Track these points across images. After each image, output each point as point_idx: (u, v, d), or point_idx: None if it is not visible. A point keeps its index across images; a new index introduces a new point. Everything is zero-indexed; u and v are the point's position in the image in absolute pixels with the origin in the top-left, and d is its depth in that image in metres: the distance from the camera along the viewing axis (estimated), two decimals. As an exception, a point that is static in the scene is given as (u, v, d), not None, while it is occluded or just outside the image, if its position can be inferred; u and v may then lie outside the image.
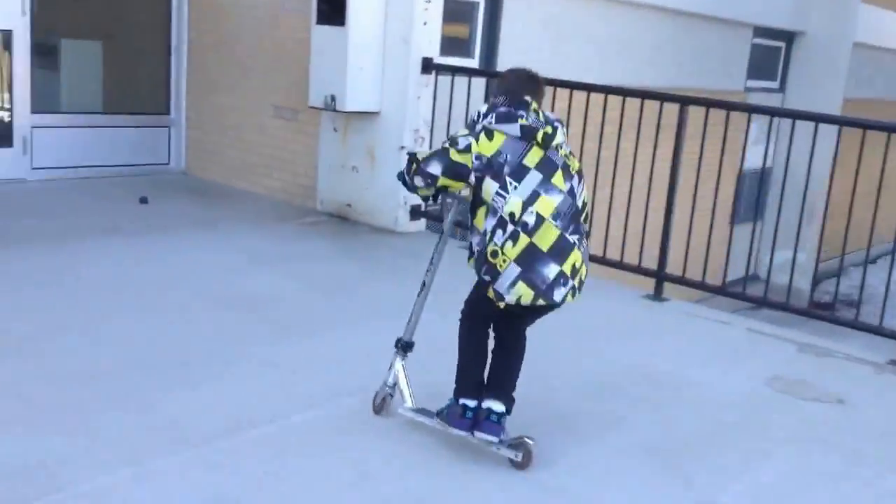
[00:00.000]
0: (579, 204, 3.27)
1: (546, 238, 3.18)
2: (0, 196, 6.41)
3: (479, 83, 6.29)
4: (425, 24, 6.23)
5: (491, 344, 3.42)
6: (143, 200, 6.63)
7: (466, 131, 3.28)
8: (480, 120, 3.27)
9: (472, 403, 3.34)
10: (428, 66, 6.29)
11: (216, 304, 4.57)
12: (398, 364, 3.55)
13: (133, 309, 4.42)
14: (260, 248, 5.73)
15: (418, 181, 3.32)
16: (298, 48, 6.85)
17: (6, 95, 6.79)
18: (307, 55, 6.73)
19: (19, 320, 4.15)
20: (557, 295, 3.21)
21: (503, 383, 3.37)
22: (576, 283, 3.25)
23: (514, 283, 3.18)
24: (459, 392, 3.38)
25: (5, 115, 6.81)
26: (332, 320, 4.54)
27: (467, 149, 3.21)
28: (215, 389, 3.62)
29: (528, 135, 3.20)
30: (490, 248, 3.19)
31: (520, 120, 3.22)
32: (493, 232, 3.19)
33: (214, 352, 3.98)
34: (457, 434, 3.32)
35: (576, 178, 3.28)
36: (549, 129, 3.22)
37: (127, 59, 7.89)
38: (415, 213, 6.52)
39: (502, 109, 3.25)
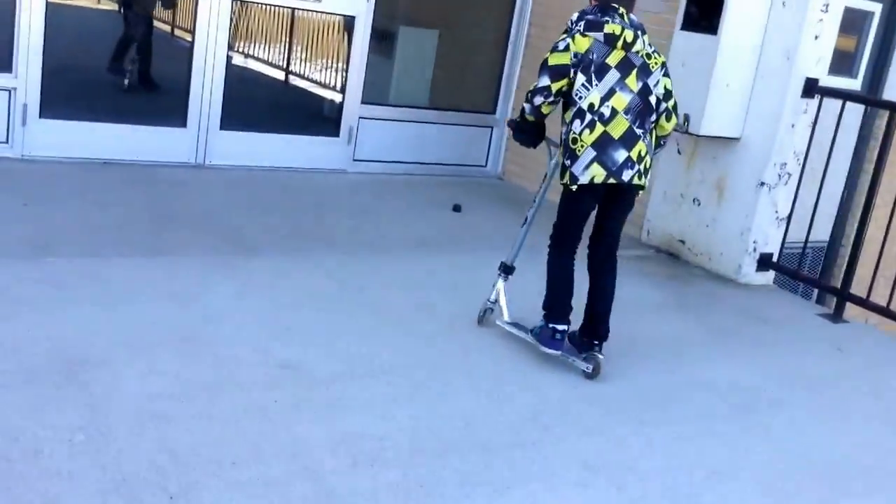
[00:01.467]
0: (652, 100, 3.76)
1: (617, 128, 3.70)
2: (321, 188, 6.21)
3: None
4: (816, 38, 5.08)
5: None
6: (457, 209, 6.13)
7: (564, 36, 3.74)
8: (573, 27, 3.74)
9: (561, 327, 3.86)
10: (811, 88, 5.15)
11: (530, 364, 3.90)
12: (500, 284, 4.15)
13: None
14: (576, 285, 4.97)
15: (537, 100, 3.78)
16: (650, 55, 5.98)
17: (340, 83, 6.61)
18: (660, 64, 5.86)
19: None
20: (626, 175, 3.72)
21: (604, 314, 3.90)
22: (641, 168, 3.77)
23: (588, 165, 3.69)
24: (549, 317, 3.88)
25: (337, 105, 6.64)
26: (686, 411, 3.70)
27: (566, 48, 3.70)
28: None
29: (611, 41, 3.69)
30: (571, 136, 3.72)
31: (605, 27, 3.68)
32: (573, 121, 3.71)
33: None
34: (545, 352, 3.87)
35: (654, 74, 3.76)
36: (629, 35, 3.70)
37: (461, 50, 7.46)
38: (763, 262, 5.43)
39: (591, 17, 3.72)
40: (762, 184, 5.26)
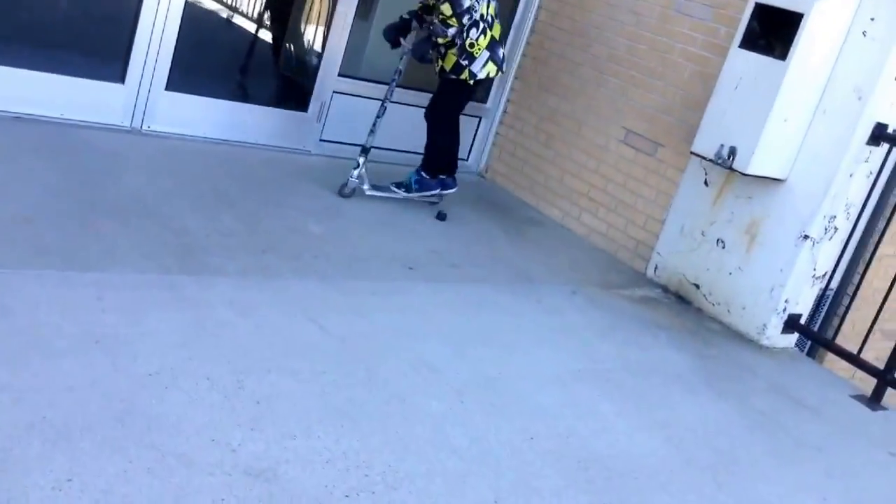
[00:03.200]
0: None
1: (497, 31, 4.97)
2: (282, 173, 5.18)
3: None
4: (897, 78, 4.35)
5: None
6: (441, 217, 5.23)
7: None
8: None
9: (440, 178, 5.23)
10: (879, 135, 4.41)
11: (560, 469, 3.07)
12: (362, 160, 5.03)
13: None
14: (586, 338, 4.17)
15: (466, 18, 4.73)
16: (686, 66, 5.16)
17: (317, 48, 5.55)
18: (699, 79, 5.05)
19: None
20: (504, 66, 5.15)
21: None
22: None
23: (484, 64, 4.90)
24: (431, 171, 5.18)
25: (310, 74, 5.57)
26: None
27: None
28: None
29: None
30: (468, 42, 4.79)
31: None
32: (468, 30, 4.76)
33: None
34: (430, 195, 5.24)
35: None
36: None
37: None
38: (791, 324, 4.73)
39: None
40: (805, 237, 4.53)
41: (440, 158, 5.15)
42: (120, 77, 4.87)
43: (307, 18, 5.83)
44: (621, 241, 5.48)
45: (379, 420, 3.02)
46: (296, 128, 5.55)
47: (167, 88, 4.99)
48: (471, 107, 6.19)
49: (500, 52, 4.99)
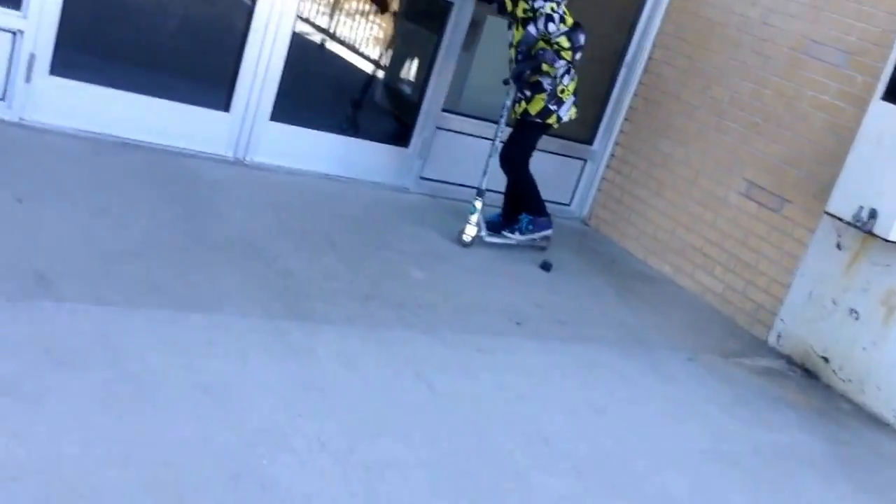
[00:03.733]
0: None
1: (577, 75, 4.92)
2: (383, 213, 4.99)
3: None
4: None
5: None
6: (546, 267, 4.95)
7: (552, 4, 4.54)
8: None
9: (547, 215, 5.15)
10: None
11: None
12: (479, 205, 4.82)
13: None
14: (709, 413, 3.82)
15: (578, 56, 4.74)
16: (817, 116, 4.82)
17: (419, 83, 5.34)
18: (831, 131, 4.72)
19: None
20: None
21: None
22: None
23: (569, 108, 4.86)
24: (539, 210, 5.08)
25: (412, 108, 5.36)
26: None
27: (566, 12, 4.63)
28: None
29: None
30: (559, 87, 4.76)
31: None
32: (563, 77, 4.74)
33: None
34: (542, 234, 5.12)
35: None
36: None
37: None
38: (931, 407, 4.32)
39: None
40: (951, 314, 4.15)
41: (537, 197, 5.04)
42: (225, 105, 4.73)
43: (411, 52, 5.65)
44: (739, 303, 5.11)
45: (497, 499, 2.75)
46: (396, 164, 5.35)
47: (271, 119, 4.85)
48: (575, 148, 5.99)
49: (576, 96, 4.92)
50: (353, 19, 5.55)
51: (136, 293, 3.21)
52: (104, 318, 2.95)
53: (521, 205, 5.06)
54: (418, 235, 4.83)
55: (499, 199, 5.18)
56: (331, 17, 5.41)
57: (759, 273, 5.04)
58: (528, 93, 4.75)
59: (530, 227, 5.05)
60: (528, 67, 4.63)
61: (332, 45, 5.48)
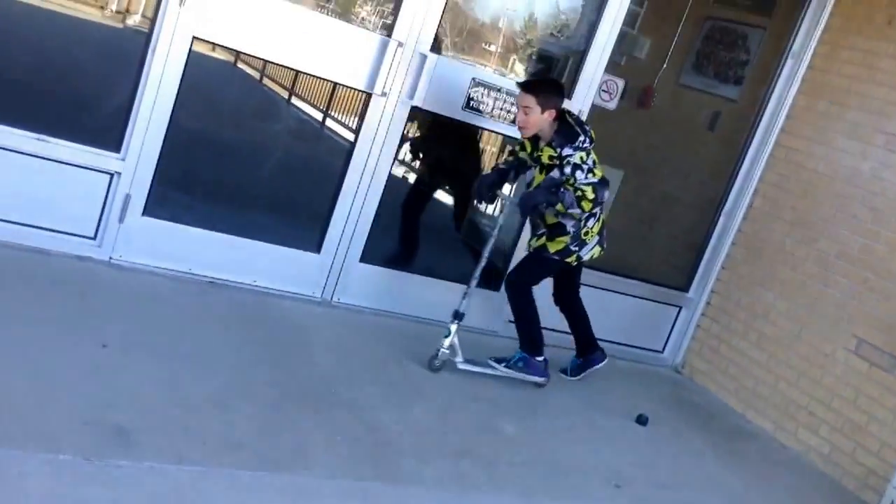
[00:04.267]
0: None
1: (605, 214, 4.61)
2: (467, 346, 4.82)
3: None
4: None
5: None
6: (641, 421, 4.66)
7: (582, 154, 4.27)
8: (584, 144, 4.28)
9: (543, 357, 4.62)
10: None
11: None
12: (454, 328, 4.42)
13: None
14: None
15: (579, 212, 4.31)
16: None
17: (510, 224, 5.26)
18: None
19: None
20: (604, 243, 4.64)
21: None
22: None
23: (591, 248, 4.54)
24: (535, 349, 4.57)
25: (502, 250, 5.27)
26: None
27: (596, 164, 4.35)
28: None
29: (592, 144, 4.34)
30: (584, 230, 4.43)
31: (591, 133, 4.37)
32: (588, 220, 4.41)
33: None
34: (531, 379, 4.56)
35: None
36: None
37: (651, 201, 6.13)
38: None
39: (587, 129, 4.36)
40: None
41: (535, 333, 4.56)
42: (316, 247, 4.68)
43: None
44: (847, 466, 4.71)
45: None
46: (487, 307, 5.18)
47: (361, 260, 4.78)
48: (669, 295, 5.77)
49: (604, 234, 4.59)
50: (445, 160, 5.53)
51: (218, 449, 3.05)
52: (183, 480, 2.79)
53: (520, 338, 4.59)
54: (507, 383, 4.60)
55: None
56: (425, 155, 5.39)
57: (869, 436, 4.67)
58: (548, 232, 4.47)
59: (520, 364, 4.55)
60: (545, 199, 4.28)
61: (423, 187, 5.44)
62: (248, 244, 4.54)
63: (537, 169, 4.43)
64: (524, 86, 4.28)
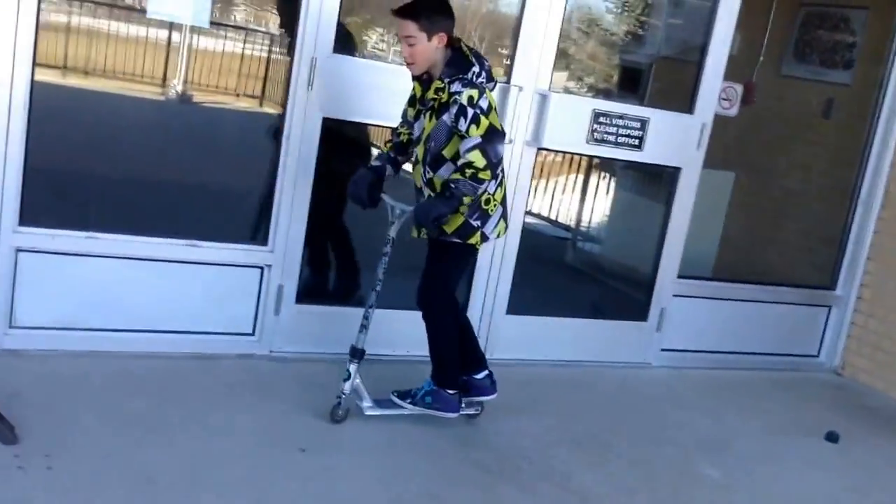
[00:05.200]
0: None
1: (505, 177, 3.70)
2: (631, 395, 4.63)
3: None
4: None
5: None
6: (832, 438, 4.42)
7: (473, 92, 3.34)
8: (476, 79, 3.40)
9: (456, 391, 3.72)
10: None
11: None
12: (353, 369, 3.61)
13: None
14: None
15: (484, 186, 3.39)
16: None
17: (650, 252, 5.09)
18: None
19: None
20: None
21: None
22: None
23: (497, 223, 3.59)
24: (449, 383, 3.69)
25: (645, 279, 5.12)
26: None
27: (492, 107, 3.39)
28: None
29: (491, 83, 3.50)
30: (484, 197, 3.48)
31: (492, 74, 3.51)
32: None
33: None
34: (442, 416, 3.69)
35: None
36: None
37: (769, 200, 5.92)
38: None
39: (487, 65, 3.48)
40: None
41: (453, 356, 3.74)
42: (462, 306, 4.55)
43: (635, 223, 5.44)
44: None
45: None
46: (634, 339, 5.01)
47: (507, 312, 4.65)
48: (816, 296, 5.53)
49: (508, 204, 3.70)
50: (570, 200, 5.41)
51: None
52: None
53: (433, 365, 3.75)
54: (686, 421, 4.40)
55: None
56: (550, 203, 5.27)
57: None
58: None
59: (429, 399, 3.70)
60: (448, 209, 3.37)
61: (553, 232, 5.32)
62: (391, 314, 4.43)
63: (427, 116, 3.52)
64: (400, 12, 3.44)
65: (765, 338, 5.40)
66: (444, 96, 3.39)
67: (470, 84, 3.36)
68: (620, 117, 4.63)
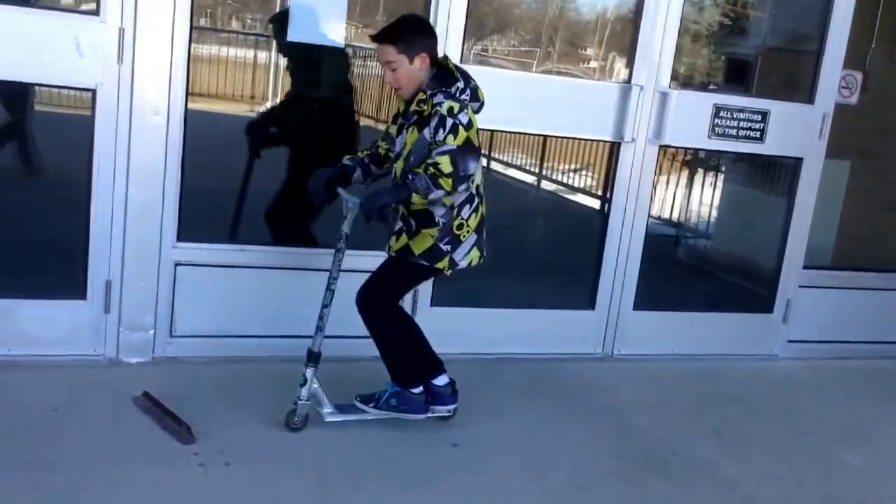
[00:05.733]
0: None
1: (485, 206, 3.52)
2: (760, 388, 4.63)
3: None
4: None
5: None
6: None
7: (454, 105, 3.27)
8: (460, 95, 3.32)
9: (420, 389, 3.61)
10: None
11: None
12: (310, 374, 3.49)
13: None
14: None
15: (462, 187, 3.31)
16: None
17: (775, 243, 5.08)
18: None
19: None
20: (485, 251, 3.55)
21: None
22: None
23: (469, 251, 3.46)
24: (410, 380, 3.58)
25: (769, 271, 5.12)
26: None
27: (471, 123, 3.29)
28: None
29: (479, 111, 3.41)
30: (456, 222, 3.40)
31: (479, 94, 3.39)
32: (461, 207, 3.39)
33: None
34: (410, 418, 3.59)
35: None
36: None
37: (892, 188, 5.82)
38: None
39: (472, 84, 3.37)
40: None
41: (409, 359, 3.60)
42: (589, 303, 4.66)
43: (755, 216, 5.43)
44: None
45: None
46: (760, 331, 5.01)
47: (635, 308, 4.72)
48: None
49: (484, 233, 3.53)
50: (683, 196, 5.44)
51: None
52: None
53: (389, 369, 3.61)
54: (816, 408, 4.41)
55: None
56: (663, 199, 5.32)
57: None
58: (412, 223, 3.42)
59: (393, 401, 3.57)
60: (393, 198, 3.27)
61: (673, 229, 5.37)
62: (529, 315, 4.57)
63: (408, 130, 3.41)
64: (378, 37, 3.38)
65: (893, 326, 5.32)
66: (427, 108, 3.32)
67: (452, 97, 3.30)
68: (741, 111, 4.65)
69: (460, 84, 3.34)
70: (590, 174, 5.39)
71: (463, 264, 3.47)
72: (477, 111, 3.39)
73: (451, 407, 3.67)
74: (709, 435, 3.92)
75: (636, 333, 4.74)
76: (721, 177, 6.34)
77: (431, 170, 3.22)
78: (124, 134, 3.71)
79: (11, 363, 3.71)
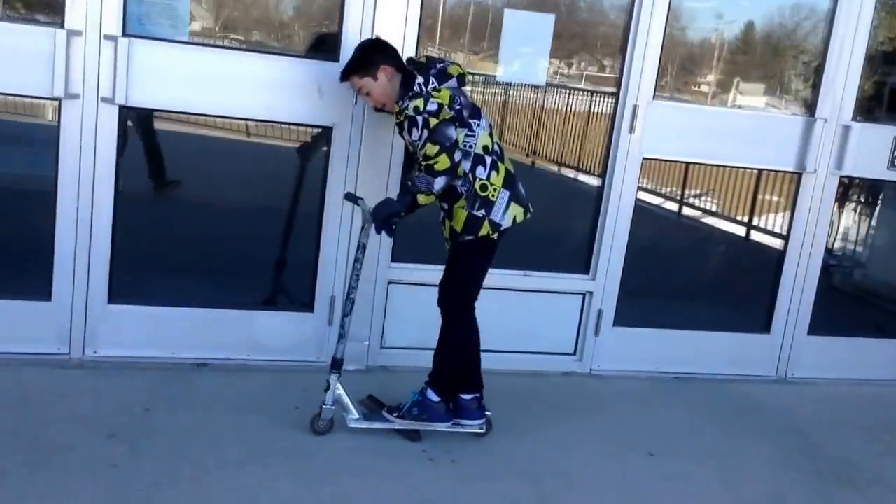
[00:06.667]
0: None
1: (508, 161, 3.56)
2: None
3: None
4: None
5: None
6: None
7: (418, 102, 3.35)
8: (423, 90, 3.39)
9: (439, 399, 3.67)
10: None
11: None
12: (334, 380, 3.60)
13: None
14: None
15: (440, 182, 3.35)
16: None
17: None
18: None
19: None
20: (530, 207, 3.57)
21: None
22: None
23: (507, 207, 3.48)
24: (440, 384, 3.67)
25: None
26: None
27: (440, 107, 3.35)
28: None
29: (462, 80, 3.49)
30: (478, 184, 3.44)
31: (450, 70, 3.46)
32: (474, 170, 3.44)
33: None
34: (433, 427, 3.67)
35: None
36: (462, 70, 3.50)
37: None
38: None
39: (434, 71, 3.43)
40: None
41: (454, 364, 3.69)
42: (764, 327, 4.86)
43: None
44: None
45: None
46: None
47: (810, 333, 4.88)
48: None
49: (521, 188, 3.57)
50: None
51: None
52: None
53: (433, 368, 3.72)
54: None
55: None
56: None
57: None
58: (445, 206, 3.53)
59: (415, 410, 3.66)
60: (401, 205, 3.40)
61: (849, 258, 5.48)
62: (705, 336, 4.81)
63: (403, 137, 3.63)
64: (341, 76, 3.61)
65: None
66: (402, 117, 3.45)
67: (415, 96, 3.39)
68: (922, 141, 4.78)
69: (419, 79, 3.42)
70: (770, 210, 5.57)
71: (506, 223, 3.49)
72: (460, 85, 3.49)
73: (480, 422, 3.73)
74: (892, 454, 4.06)
75: (810, 357, 4.91)
76: (877, 203, 6.34)
77: (423, 162, 3.36)
78: (353, 166, 4.18)
79: (252, 367, 4.23)
